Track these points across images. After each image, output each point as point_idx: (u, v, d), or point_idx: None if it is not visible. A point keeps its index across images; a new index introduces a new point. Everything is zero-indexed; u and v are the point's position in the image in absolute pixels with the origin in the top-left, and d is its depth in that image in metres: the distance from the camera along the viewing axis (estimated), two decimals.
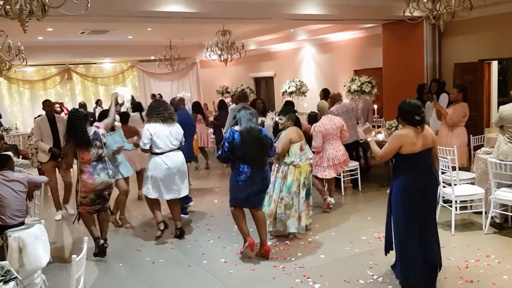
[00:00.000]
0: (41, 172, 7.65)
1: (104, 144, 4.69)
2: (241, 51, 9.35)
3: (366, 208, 6.05)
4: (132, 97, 12.53)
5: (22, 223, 4.29)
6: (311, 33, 11.02)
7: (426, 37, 8.17)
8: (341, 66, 11.21)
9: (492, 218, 4.91)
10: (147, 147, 4.96)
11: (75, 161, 4.71)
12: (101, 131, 4.68)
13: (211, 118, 10.03)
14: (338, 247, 4.75)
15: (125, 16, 6.83)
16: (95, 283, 4.26)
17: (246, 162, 4.24)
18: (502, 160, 4.71)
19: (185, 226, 5.75)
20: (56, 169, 6.28)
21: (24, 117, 13.63)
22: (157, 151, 4.97)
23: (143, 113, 7.46)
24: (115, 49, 13.01)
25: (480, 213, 5.02)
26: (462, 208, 5.08)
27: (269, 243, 4.90)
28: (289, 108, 5.26)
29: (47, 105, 6.21)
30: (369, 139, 4.00)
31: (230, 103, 10.10)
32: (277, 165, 4.99)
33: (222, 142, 4.36)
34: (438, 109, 6.13)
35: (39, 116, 8.95)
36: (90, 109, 12.04)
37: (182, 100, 6.47)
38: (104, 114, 5.77)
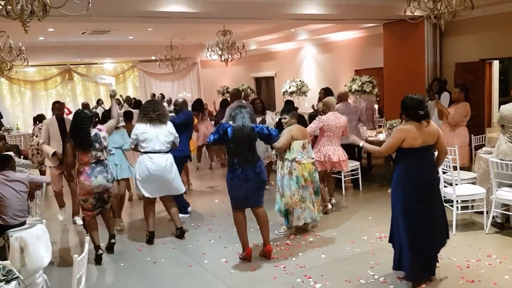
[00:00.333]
0: (42, 173, 7.68)
1: (105, 147, 4.65)
2: (241, 51, 9.36)
3: (367, 208, 6.04)
4: (128, 97, 12.57)
5: (24, 223, 4.29)
6: (311, 33, 11.02)
7: (427, 37, 8.16)
8: (342, 66, 11.21)
9: (493, 218, 4.91)
10: (132, 146, 5.12)
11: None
12: (102, 133, 4.64)
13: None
14: (339, 247, 4.75)
15: (126, 16, 6.83)
16: (96, 283, 4.27)
17: (236, 157, 4.36)
18: (502, 160, 4.71)
19: (185, 226, 5.76)
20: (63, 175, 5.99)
21: (25, 118, 13.65)
22: (142, 150, 5.04)
23: None
24: (116, 49, 13.03)
25: (481, 213, 5.02)
26: (463, 208, 5.08)
27: (270, 242, 4.91)
28: (291, 107, 5.36)
29: (57, 108, 5.95)
30: (360, 144, 4.02)
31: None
32: (280, 162, 5.04)
33: (216, 128, 4.50)
34: (440, 109, 6.12)
35: (38, 116, 8.99)
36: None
37: (185, 102, 6.49)
38: (106, 115, 5.78)
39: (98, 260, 4.62)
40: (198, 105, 8.91)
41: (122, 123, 6.57)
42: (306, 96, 11.73)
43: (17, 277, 2.87)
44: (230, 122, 4.42)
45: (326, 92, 7.81)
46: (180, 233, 5.23)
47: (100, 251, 4.66)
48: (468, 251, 4.43)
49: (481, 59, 7.82)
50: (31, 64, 8.85)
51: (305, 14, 7.34)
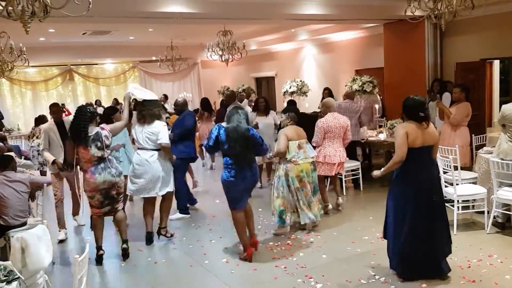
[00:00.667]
0: (42, 174, 7.69)
1: (107, 146, 4.60)
2: (242, 51, 9.36)
3: (367, 208, 6.04)
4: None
5: (25, 224, 4.30)
6: (312, 33, 11.02)
7: (427, 37, 8.16)
8: (342, 66, 11.20)
9: (494, 217, 4.90)
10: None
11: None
12: (104, 132, 4.60)
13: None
14: (340, 247, 4.75)
15: (127, 16, 6.84)
16: (97, 283, 4.27)
17: (231, 157, 4.37)
18: (503, 159, 4.71)
19: (186, 226, 5.77)
20: (65, 179, 5.61)
21: (26, 118, 13.68)
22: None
23: None
24: (117, 49, 13.04)
25: (482, 212, 5.02)
26: (464, 207, 5.07)
27: (270, 243, 4.95)
28: (290, 108, 5.37)
29: (54, 111, 5.60)
30: (382, 170, 3.86)
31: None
32: (277, 164, 5.08)
33: (209, 134, 4.54)
34: (442, 109, 6.12)
35: (40, 116, 8.99)
36: None
37: (186, 102, 6.51)
38: (106, 114, 5.77)
39: (98, 260, 4.61)
40: (207, 104, 8.87)
41: None
42: (306, 96, 11.73)
43: (18, 277, 2.88)
44: (223, 124, 4.45)
45: (330, 92, 7.84)
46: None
47: (101, 252, 4.65)
48: (469, 251, 4.43)
49: (481, 58, 7.82)
50: (32, 65, 8.89)
51: (305, 14, 7.35)
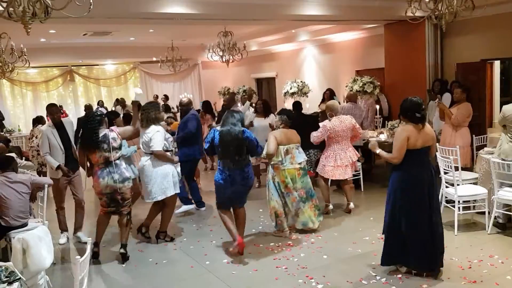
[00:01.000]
0: (42, 174, 7.69)
1: (114, 148, 4.59)
2: (242, 52, 9.37)
3: (368, 209, 6.04)
4: (122, 99, 12.61)
5: (25, 225, 4.30)
6: (312, 33, 11.03)
7: (428, 37, 8.16)
8: (343, 67, 11.21)
9: (495, 218, 4.90)
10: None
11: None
12: (112, 134, 4.61)
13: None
14: (340, 247, 4.74)
15: (127, 17, 6.85)
16: (98, 284, 4.27)
17: (224, 160, 4.50)
18: (504, 160, 4.70)
19: (187, 227, 5.77)
20: (68, 186, 5.32)
21: (27, 119, 13.67)
22: None
23: None
24: (117, 50, 13.05)
25: (483, 213, 5.01)
26: (465, 208, 5.07)
27: (271, 243, 4.94)
28: (284, 110, 5.45)
29: (52, 112, 5.17)
30: (377, 151, 4.00)
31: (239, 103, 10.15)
32: (269, 167, 5.16)
33: (207, 137, 4.70)
34: (443, 109, 6.12)
35: (37, 117, 8.97)
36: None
37: (191, 101, 6.55)
38: (109, 118, 5.74)
39: (93, 256, 4.57)
40: (209, 107, 8.82)
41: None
42: (307, 97, 11.74)
43: (20, 278, 2.88)
44: (218, 127, 4.58)
45: (331, 93, 7.83)
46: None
47: (96, 249, 4.66)
48: (470, 251, 4.42)
49: (482, 59, 7.82)
50: (32, 66, 8.89)
51: (306, 15, 7.35)
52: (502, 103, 7.31)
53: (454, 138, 5.93)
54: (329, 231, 5.26)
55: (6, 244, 4.29)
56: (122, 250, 4.72)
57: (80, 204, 5.37)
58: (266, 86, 15.16)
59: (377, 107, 8.21)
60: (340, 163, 5.68)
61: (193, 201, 6.40)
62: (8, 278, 2.81)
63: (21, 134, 12.40)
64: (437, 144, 5.02)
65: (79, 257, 2.65)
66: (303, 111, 7.35)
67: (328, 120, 5.70)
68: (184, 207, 6.33)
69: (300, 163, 5.08)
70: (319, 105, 8.87)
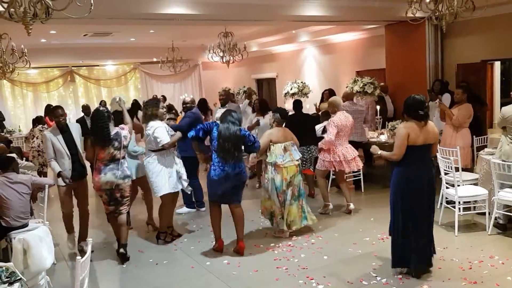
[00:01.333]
0: (43, 175, 7.70)
1: (124, 146, 4.65)
2: (243, 52, 9.37)
3: (369, 209, 6.04)
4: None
5: (26, 225, 4.31)
6: (313, 34, 11.03)
7: (428, 38, 8.17)
8: (343, 67, 11.21)
9: (495, 219, 4.90)
10: None
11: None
12: (124, 132, 4.66)
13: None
14: (341, 248, 4.74)
15: (128, 18, 6.86)
16: (98, 284, 4.27)
17: (220, 154, 4.55)
18: (505, 161, 4.70)
19: (187, 227, 5.77)
20: (73, 194, 5.01)
21: (27, 119, 13.66)
22: None
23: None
24: (118, 51, 13.06)
25: (484, 214, 5.01)
26: (465, 209, 5.07)
27: (271, 244, 4.94)
28: (278, 108, 5.47)
29: (57, 114, 4.80)
30: (379, 153, 4.04)
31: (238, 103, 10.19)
32: (266, 166, 5.16)
33: (198, 126, 4.75)
34: (443, 110, 6.11)
35: (37, 118, 8.95)
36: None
37: (194, 100, 6.55)
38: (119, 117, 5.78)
39: (122, 258, 4.70)
40: (203, 105, 8.64)
41: None
42: (307, 97, 11.74)
43: (20, 278, 2.89)
44: (218, 121, 4.67)
45: (330, 93, 7.81)
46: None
47: (123, 250, 4.69)
48: (470, 252, 4.42)
49: (482, 60, 7.82)
50: (33, 66, 8.89)
51: (306, 15, 7.35)
52: (502, 104, 7.32)
53: (454, 138, 5.93)
54: (330, 232, 5.26)
55: (6, 244, 4.30)
56: (122, 251, 4.71)
57: (84, 215, 5.05)
58: (266, 87, 15.16)
59: (378, 107, 8.21)
60: (348, 157, 5.71)
61: (194, 201, 6.39)
62: (8, 279, 2.81)
63: (22, 135, 12.41)
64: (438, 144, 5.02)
65: (79, 257, 2.65)
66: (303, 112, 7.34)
67: (332, 116, 5.75)
68: (185, 209, 6.36)
69: (297, 160, 5.13)
70: (318, 105, 8.84)
